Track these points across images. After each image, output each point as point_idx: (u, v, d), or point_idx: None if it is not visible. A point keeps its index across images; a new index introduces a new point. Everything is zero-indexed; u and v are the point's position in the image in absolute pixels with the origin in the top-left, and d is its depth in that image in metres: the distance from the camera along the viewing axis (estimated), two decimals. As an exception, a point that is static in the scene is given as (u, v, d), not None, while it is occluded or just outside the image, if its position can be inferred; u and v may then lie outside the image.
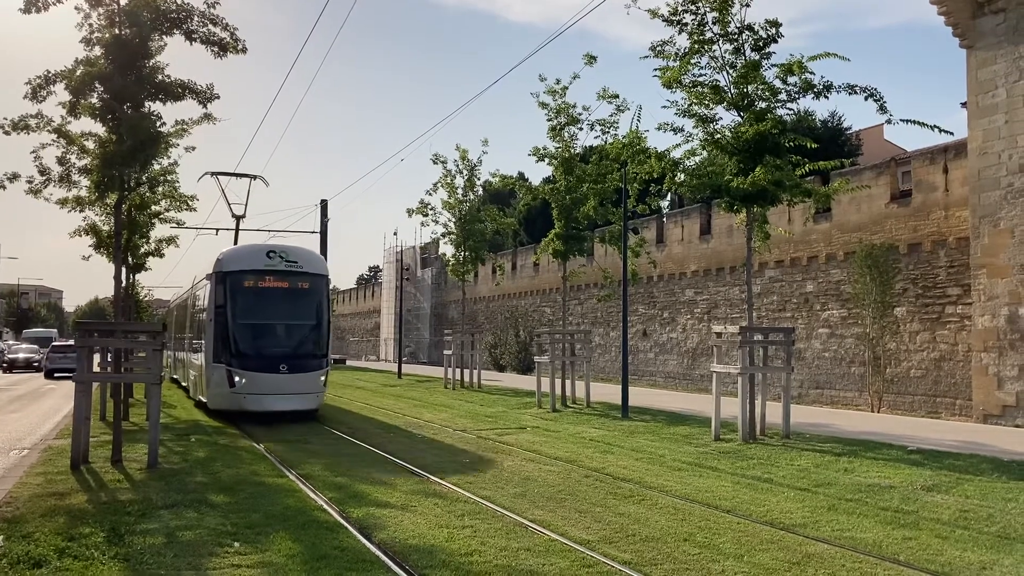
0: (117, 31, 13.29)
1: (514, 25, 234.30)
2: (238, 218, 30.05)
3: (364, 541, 7.80)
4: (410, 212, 29.60)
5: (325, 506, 9.37)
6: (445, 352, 30.69)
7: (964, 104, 21.51)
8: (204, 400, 20.05)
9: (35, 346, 55.22)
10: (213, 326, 18.55)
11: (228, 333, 18.38)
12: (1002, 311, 19.54)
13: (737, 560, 7.31)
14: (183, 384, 26.65)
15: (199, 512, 8.89)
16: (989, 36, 19.91)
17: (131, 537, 7.68)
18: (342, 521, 8.61)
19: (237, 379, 18.02)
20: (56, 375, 40.77)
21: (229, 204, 29.01)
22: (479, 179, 29.94)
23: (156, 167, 18.06)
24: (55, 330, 59.81)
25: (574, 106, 22.62)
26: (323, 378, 19.25)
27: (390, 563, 7.04)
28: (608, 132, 22.30)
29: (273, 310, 19.01)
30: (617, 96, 21.74)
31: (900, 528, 8.50)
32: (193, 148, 18.16)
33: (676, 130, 16.34)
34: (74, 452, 11.80)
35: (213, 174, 27.79)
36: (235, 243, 29.99)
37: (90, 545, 7.36)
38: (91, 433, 12.84)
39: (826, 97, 15.40)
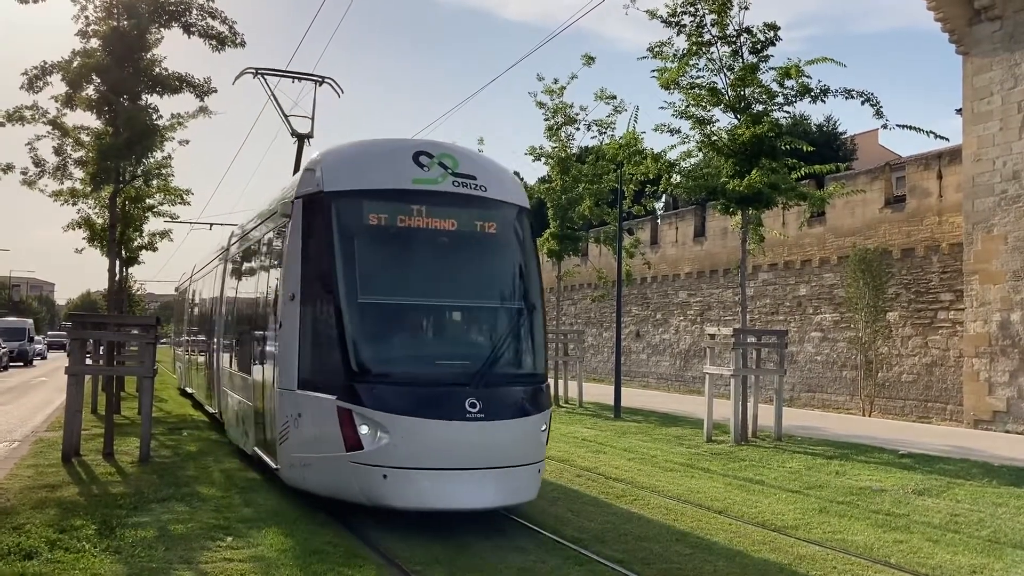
0: (115, 23, 13.24)
1: (510, 23, 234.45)
2: (301, 137, 16.32)
3: (357, 537, 7.81)
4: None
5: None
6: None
7: (959, 110, 21.61)
8: (261, 455, 10.26)
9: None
10: (297, 312, 8.82)
11: (340, 327, 8.35)
12: (994, 317, 19.62)
13: (729, 561, 7.34)
14: (209, 408, 16.93)
15: (191, 506, 8.87)
16: (985, 43, 19.98)
17: (123, 530, 7.64)
18: (332, 518, 8.59)
19: (366, 431, 7.92)
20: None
21: (285, 116, 16.17)
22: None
23: (151, 160, 17.98)
24: (30, 320, 52.48)
25: (571, 106, 22.67)
26: (545, 429, 8.77)
27: (381, 560, 7.06)
28: (605, 133, 22.37)
29: (438, 278, 9.18)
30: (615, 97, 21.81)
31: (891, 531, 8.55)
32: (187, 141, 18.09)
33: (673, 131, 16.40)
34: (66, 444, 11.75)
35: (257, 72, 16.07)
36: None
37: (81, 537, 7.34)
38: (82, 426, 12.79)
39: (823, 101, 15.51)
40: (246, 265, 13.02)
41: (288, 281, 9.03)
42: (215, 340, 15.68)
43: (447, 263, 9.14)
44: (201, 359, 18.73)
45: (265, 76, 16.04)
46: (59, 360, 47.85)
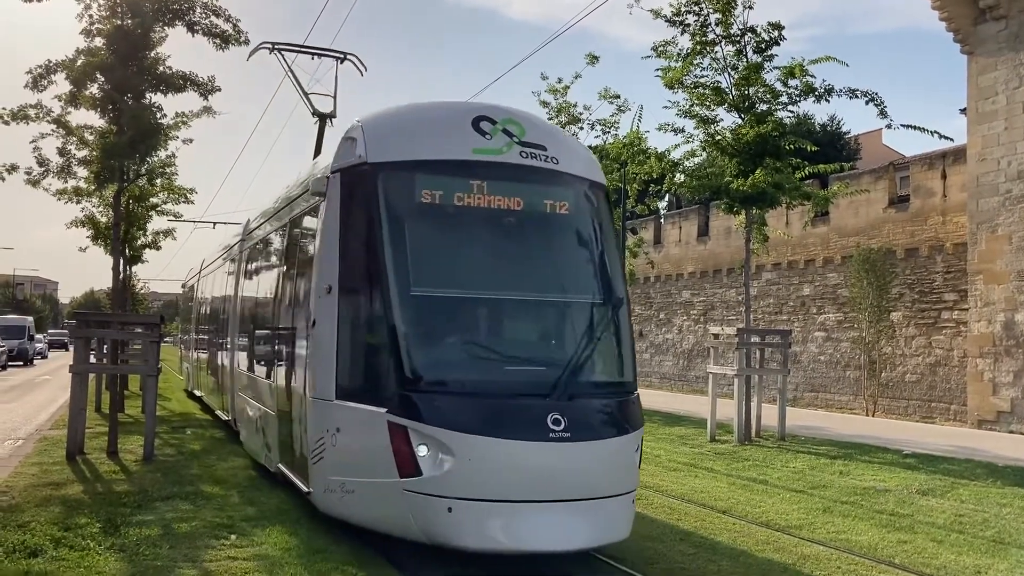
0: (119, 22, 13.27)
1: (513, 22, 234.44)
2: (323, 117, 14.67)
3: (360, 537, 7.81)
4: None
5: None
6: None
7: (963, 110, 21.56)
8: (288, 474, 8.85)
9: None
10: (335, 307, 7.43)
11: (389, 324, 6.95)
12: (998, 317, 19.59)
13: (733, 560, 7.34)
14: (221, 415, 15.52)
15: (195, 504, 8.87)
16: (990, 42, 19.94)
17: (127, 528, 7.65)
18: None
19: (425, 452, 6.52)
20: None
21: (306, 94, 14.65)
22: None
23: (155, 159, 18.03)
24: (30, 318, 49.74)
25: (575, 105, 22.65)
26: (638, 450, 7.53)
27: (385, 560, 7.06)
28: (609, 132, 22.36)
29: (506, 266, 7.83)
30: (619, 96, 21.80)
31: (895, 531, 8.53)
32: (191, 140, 18.14)
33: (677, 131, 16.42)
34: (70, 442, 11.76)
35: (274, 47, 14.64)
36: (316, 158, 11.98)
37: (86, 535, 7.34)
38: (86, 424, 12.81)
39: (827, 100, 15.52)
40: (267, 255, 11.63)
41: (323, 271, 7.56)
42: (229, 340, 14.27)
43: (516, 248, 7.75)
44: (212, 360, 17.25)
45: (282, 52, 14.58)
46: (60, 359, 47.85)
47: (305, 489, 7.91)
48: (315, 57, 15.11)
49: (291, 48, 14.77)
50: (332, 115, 14.70)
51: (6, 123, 14.30)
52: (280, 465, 9.20)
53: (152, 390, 12.36)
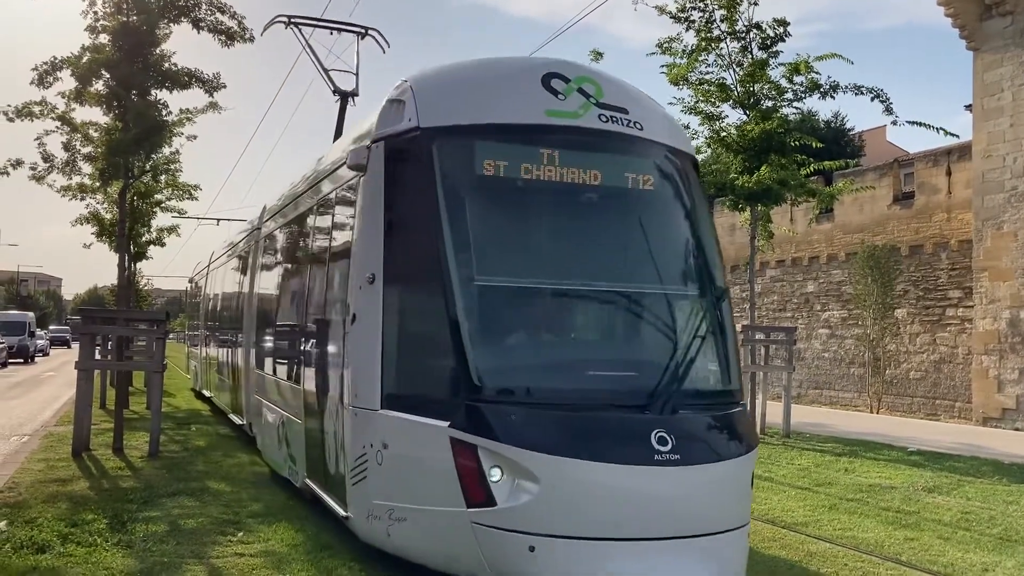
0: (124, 18, 13.28)
1: (516, 19, 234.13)
2: (345, 95, 13.54)
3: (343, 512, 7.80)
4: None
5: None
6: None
7: (968, 107, 21.52)
8: (319, 493, 7.69)
9: None
10: (379, 300, 6.18)
11: (450, 319, 5.66)
12: (1003, 314, 19.55)
13: (739, 557, 7.31)
14: (235, 419, 14.30)
15: (201, 501, 8.88)
16: (996, 39, 19.88)
17: (134, 524, 7.66)
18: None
19: (499, 477, 5.30)
20: None
21: (325, 70, 13.45)
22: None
23: (159, 155, 18.07)
24: (31, 313, 48.43)
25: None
26: (750, 473, 6.12)
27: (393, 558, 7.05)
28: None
29: (587, 252, 6.53)
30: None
31: (902, 528, 8.52)
32: (195, 137, 18.17)
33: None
34: (76, 439, 11.79)
35: (290, 20, 13.54)
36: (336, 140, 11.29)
37: (93, 532, 7.35)
38: (91, 421, 12.83)
39: (832, 97, 15.50)
40: (291, 243, 10.27)
41: (364, 258, 6.38)
42: (244, 337, 12.86)
43: (598, 230, 6.50)
44: (224, 359, 15.90)
45: (299, 25, 13.50)
46: (62, 356, 47.71)
47: (342, 513, 6.71)
48: (334, 32, 14.15)
49: (308, 22, 13.74)
50: (354, 93, 13.60)
51: (11, 120, 14.34)
52: (308, 481, 8.01)
53: (158, 387, 12.40)
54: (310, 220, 8.92)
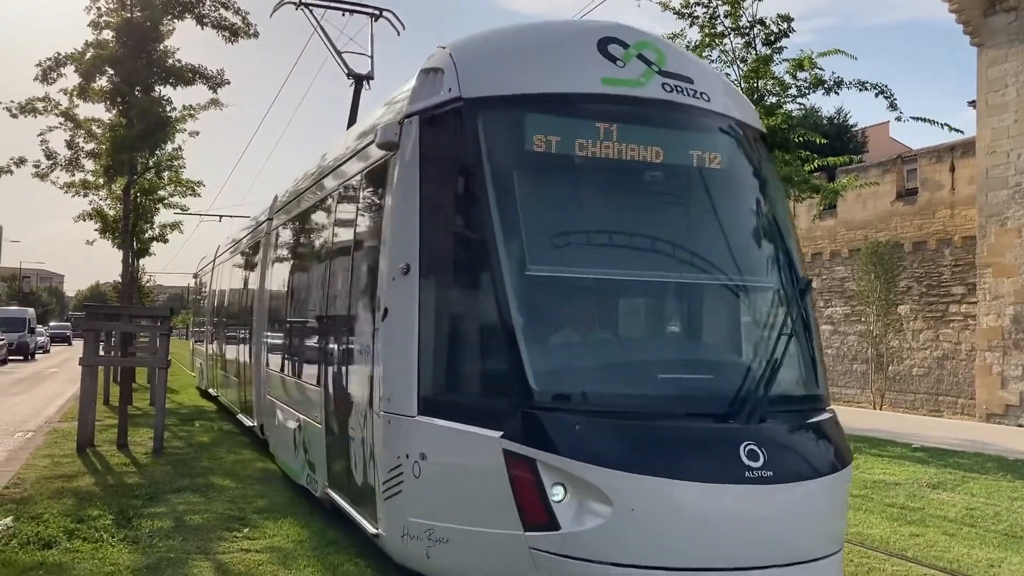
0: (128, 14, 13.27)
1: (518, 16, 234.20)
2: (359, 78, 13.10)
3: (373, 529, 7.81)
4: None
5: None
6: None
7: (972, 103, 21.51)
8: (343, 505, 6.87)
9: None
10: (415, 292, 5.45)
11: (500, 315, 4.91)
12: (1007, 311, 19.53)
13: (745, 553, 7.30)
14: (245, 420, 13.42)
15: (206, 497, 8.88)
16: (1000, 34, 19.84)
17: (139, 520, 7.67)
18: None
19: (562, 496, 4.59)
20: None
21: (338, 52, 13.05)
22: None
23: (163, 152, 18.08)
24: (31, 309, 47.01)
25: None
26: (847, 490, 5.61)
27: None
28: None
29: (653, 239, 5.54)
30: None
31: (907, 524, 8.51)
32: (197, 133, 18.19)
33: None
34: (80, 435, 11.80)
35: (300, 2, 13.14)
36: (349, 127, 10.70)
37: (99, 527, 7.36)
38: (96, 417, 12.84)
39: (836, 93, 15.47)
40: (308, 232, 9.45)
41: (397, 246, 5.64)
42: (255, 334, 12.13)
43: (665, 214, 5.89)
44: (232, 357, 15.04)
45: (310, 7, 13.09)
46: (63, 353, 47.66)
47: (372, 530, 5.95)
48: (346, 14, 13.59)
49: (319, 3, 13.31)
50: (369, 76, 13.04)
51: (14, 116, 14.34)
52: (330, 491, 7.26)
53: (162, 383, 12.42)
54: (331, 206, 8.12)
